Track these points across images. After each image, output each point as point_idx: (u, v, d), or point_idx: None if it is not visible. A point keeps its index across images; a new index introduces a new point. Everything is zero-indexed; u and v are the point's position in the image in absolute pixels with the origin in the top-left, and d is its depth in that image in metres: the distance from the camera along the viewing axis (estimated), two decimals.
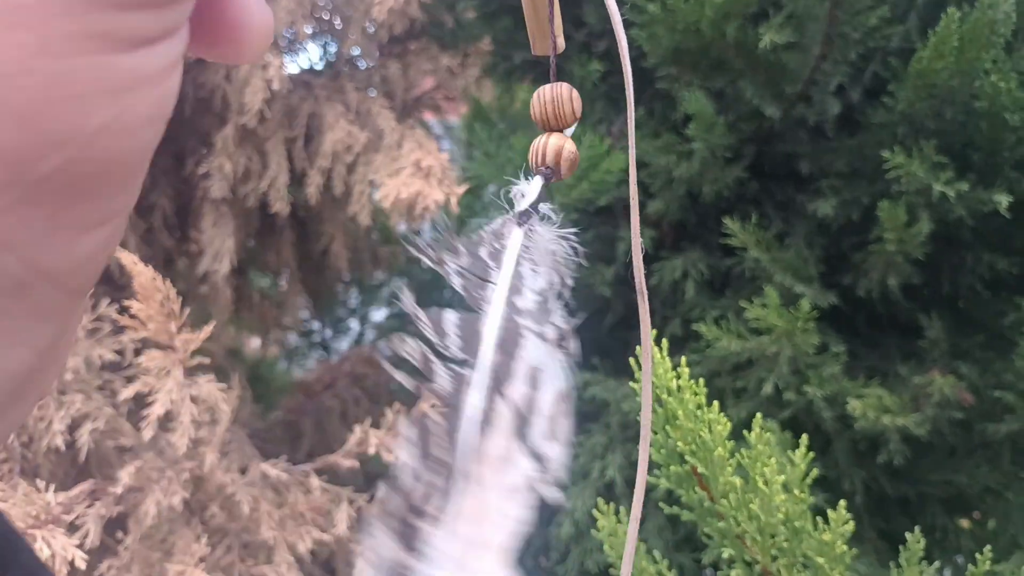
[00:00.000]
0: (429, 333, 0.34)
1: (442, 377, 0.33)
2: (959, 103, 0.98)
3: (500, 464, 0.32)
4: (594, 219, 1.35)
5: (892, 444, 1.06)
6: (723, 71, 1.16)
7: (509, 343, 0.34)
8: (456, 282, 0.36)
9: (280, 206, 1.31)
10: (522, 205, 0.38)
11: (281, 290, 1.64)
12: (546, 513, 1.32)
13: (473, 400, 0.33)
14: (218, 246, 1.35)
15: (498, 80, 1.51)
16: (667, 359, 0.64)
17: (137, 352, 1.15)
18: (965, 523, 1.28)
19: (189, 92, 1.36)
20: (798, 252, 1.15)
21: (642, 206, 1.30)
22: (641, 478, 0.40)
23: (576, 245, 0.37)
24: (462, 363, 0.33)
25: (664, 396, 0.64)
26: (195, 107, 1.38)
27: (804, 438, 0.68)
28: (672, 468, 0.67)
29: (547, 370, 0.35)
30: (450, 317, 0.35)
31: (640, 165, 1.25)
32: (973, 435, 1.14)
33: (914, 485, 1.17)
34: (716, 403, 0.65)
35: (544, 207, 0.39)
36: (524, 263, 0.37)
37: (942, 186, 0.97)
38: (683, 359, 0.65)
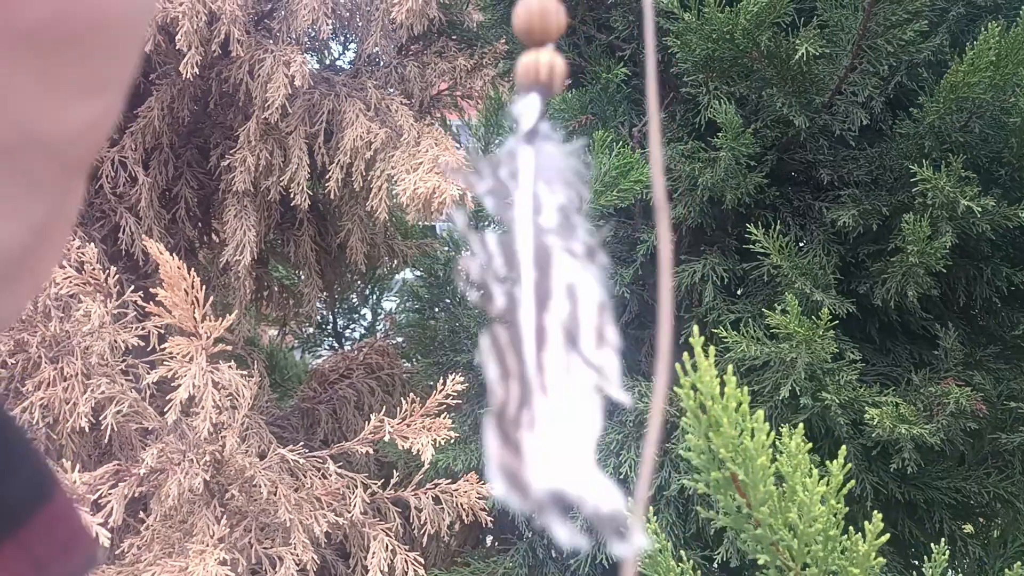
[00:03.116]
0: (480, 253, 0.36)
1: (498, 295, 0.35)
2: (989, 117, 0.99)
3: (563, 374, 0.34)
4: (613, 221, 1.36)
5: (906, 452, 1.08)
6: (752, 79, 1.17)
7: (543, 261, 0.36)
8: (488, 203, 0.37)
9: (300, 199, 1.33)
10: (526, 124, 0.39)
11: (299, 282, 1.65)
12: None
13: (524, 317, 0.35)
14: (240, 238, 1.36)
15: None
16: (713, 365, 0.65)
17: (161, 338, 1.17)
18: (968, 527, 1.30)
19: (213, 87, 1.37)
20: (817, 259, 1.16)
21: None
22: (653, 436, 0.41)
23: (588, 161, 0.39)
24: (511, 281, 0.35)
25: (708, 403, 0.66)
26: (219, 101, 1.39)
27: (843, 449, 0.69)
28: (713, 474, 0.68)
29: (580, 283, 0.36)
30: (491, 237, 0.37)
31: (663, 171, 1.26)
32: (984, 444, 1.16)
33: (923, 491, 1.19)
34: (760, 412, 0.66)
35: (544, 126, 0.40)
36: (539, 182, 0.38)
37: (968, 201, 0.98)
38: (729, 367, 0.66)
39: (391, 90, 1.30)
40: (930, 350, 1.19)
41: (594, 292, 0.35)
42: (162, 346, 1.11)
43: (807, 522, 0.68)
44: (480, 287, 0.36)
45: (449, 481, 1.29)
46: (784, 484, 0.70)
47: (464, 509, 1.27)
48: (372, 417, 1.27)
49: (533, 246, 0.36)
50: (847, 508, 0.74)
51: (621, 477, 1.26)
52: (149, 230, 1.27)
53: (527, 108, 0.41)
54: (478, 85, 1.32)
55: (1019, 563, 1.00)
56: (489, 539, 1.60)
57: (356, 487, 1.25)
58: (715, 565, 1.20)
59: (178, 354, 1.10)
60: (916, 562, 1.30)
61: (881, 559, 0.72)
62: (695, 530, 1.26)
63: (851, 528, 0.73)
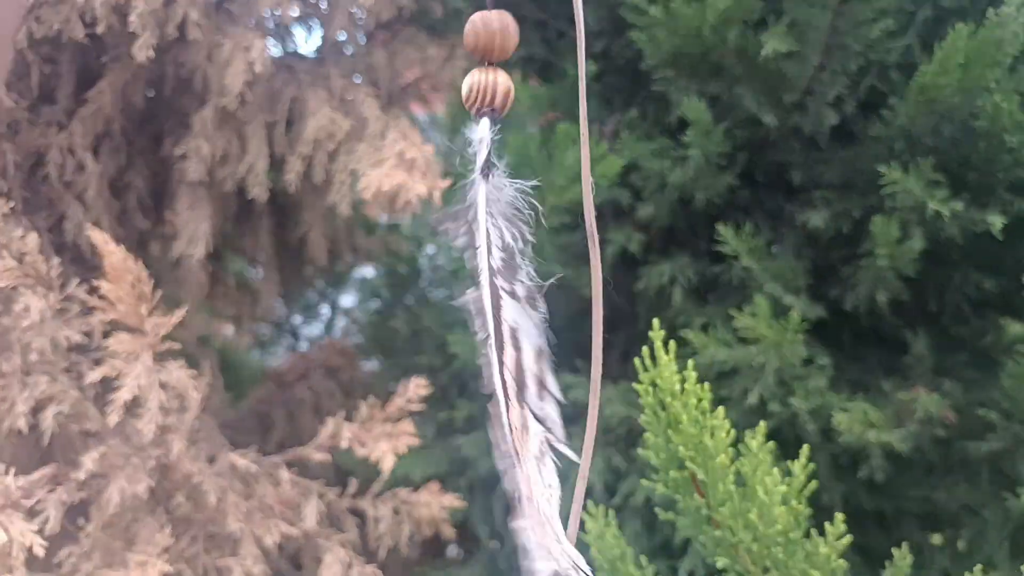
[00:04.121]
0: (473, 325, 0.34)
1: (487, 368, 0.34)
2: (958, 121, 0.98)
3: (523, 434, 0.32)
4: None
5: (874, 460, 1.06)
6: (721, 77, 1.15)
7: (495, 306, 0.34)
8: (459, 243, 0.35)
9: (258, 191, 1.27)
10: (483, 154, 0.38)
11: (256, 278, 1.60)
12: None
13: (495, 377, 0.32)
14: (193, 230, 1.31)
15: None
16: (673, 362, 0.63)
17: (106, 335, 1.11)
18: (936, 539, 1.28)
19: (169, 71, 1.31)
20: (787, 262, 1.14)
21: (632, 210, 1.28)
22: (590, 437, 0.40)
23: (533, 200, 0.36)
24: (486, 342, 0.32)
25: (668, 400, 0.63)
26: (175, 87, 1.34)
27: (805, 448, 0.67)
28: (671, 473, 0.66)
29: (523, 328, 0.34)
30: (471, 296, 0.34)
31: (632, 168, 1.23)
32: (953, 452, 1.14)
33: (892, 500, 1.17)
34: (721, 409, 0.63)
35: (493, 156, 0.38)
36: (489, 218, 0.36)
37: (937, 204, 0.97)
38: (690, 362, 0.63)
39: (357, 77, 1.26)
40: (900, 357, 1.18)
41: (533, 338, 0.33)
42: (106, 342, 1.05)
43: (767, 523, 0.65)
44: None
45: (411, 490, 1.24)
46: (745, 485, 0.67)
47: (425, 522, 1.22)
48: (329, 421, 1.22)
49: (489, 291, 0.33)
50: (810, 510, 0.72)
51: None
52: (98, 221, 1.21)
53: (481, 135, 0.38)
54: (448, 77, 1.29)
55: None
56: (450, 549, 1.56)
57: (311, 495, 1.19)
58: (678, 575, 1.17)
59: (122, 352, 1.04)
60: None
61: (843, 562, 0.69)
62: (662, 540, 1.23)
63: (812, 531, 0.71)
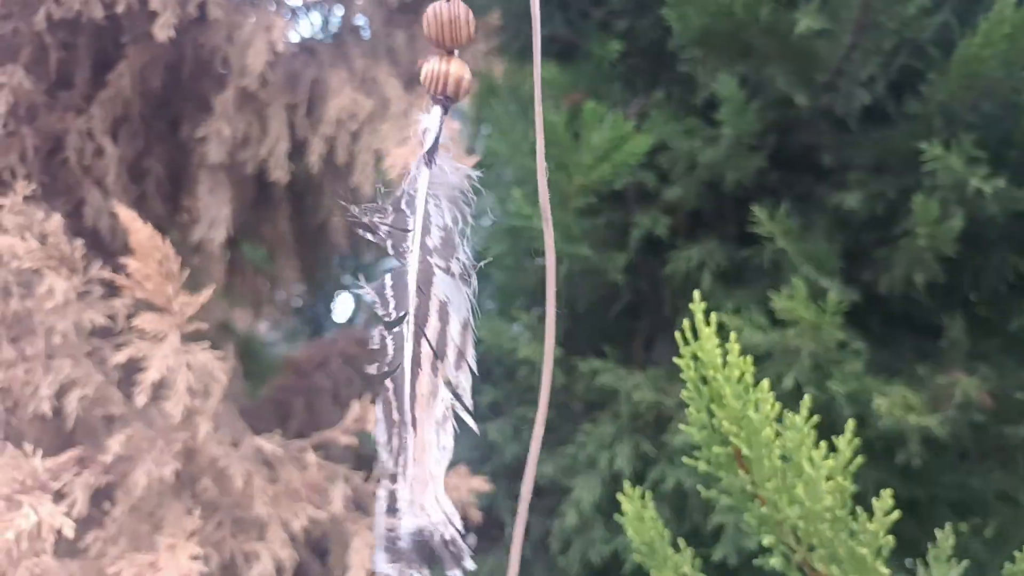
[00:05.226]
0: (378, 307, 0.36)
1: (387, 345, 0.35)
2: (1000, 96, 0.96)
3: (429, 401, 0.35)
4: (606, 205, 1.32)
5: (912, 445, 1.04)
6: (750, 56, 1.13)
7: (424, 282, 0.36)
8: (388, 243, 0.37)
9: (279, 174, 1.26)
10: (429, 141, 0.40)
11: (275, 264, 1.58)
12: (548, 503, 1.29)
13: (406, 349, 0.35)
14: (214, 214, 1.29)
15: (511, 58, 1.47)
16: (715, 335, 0.61)
17: (129, 318, 1.09)
18: (963, 526, 1.26)
19: (188, 53, 1.30)
20: (822, 245, 1.12)
21: (659, 192, 1.26)
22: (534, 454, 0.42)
23: (476, 184, 0.38)
24: (400, 321, 0.35)
25: (710, 373, 0.61)
26: (194, 69, 1.32)
27: (850, 423, 0.65)
28: (714, 449, 0.64)
29: (454, 302, 0.36)
30: (386, 280, 0.36)
31: (660, 148, 1.22)
32: (988, 438, 1.12)
33: (925, 487, 1.15)
34: (765, 382, 0.61)
35: (442, 137, 0.38)
36: (430, 200, 0.37)
37: (979, 181, 0.95)
38: (732, 335, 0.62)
39: (379, 60, 1.24)
40: (933, 341, 1.16)
41: (462, 311, 0.34)
42: (131, 323, 1.03)
43: (814, 499, 0.63)
44: (381, 346, 0.35)
45: None
46: (790, 460, 0.65)
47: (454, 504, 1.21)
48: (355, 404, 1.20)
49: (419, 269, 0.34)
50: (855, 487, 0.70)
51: (615, 471, 1.21)
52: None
53: (431, 124, 0.38)
54: (468, 60, 1.27)
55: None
56: (471, 534, 1.55)
57: (337, 479, 1.18)
58: (710, 562, 1.16)
59: (149, 332, 1.02)
60: (910, 561, 1.27)
61: (891, 538, 0.68)
62: (692, 528, 1.22)
63: (857, 509, 0.69)
